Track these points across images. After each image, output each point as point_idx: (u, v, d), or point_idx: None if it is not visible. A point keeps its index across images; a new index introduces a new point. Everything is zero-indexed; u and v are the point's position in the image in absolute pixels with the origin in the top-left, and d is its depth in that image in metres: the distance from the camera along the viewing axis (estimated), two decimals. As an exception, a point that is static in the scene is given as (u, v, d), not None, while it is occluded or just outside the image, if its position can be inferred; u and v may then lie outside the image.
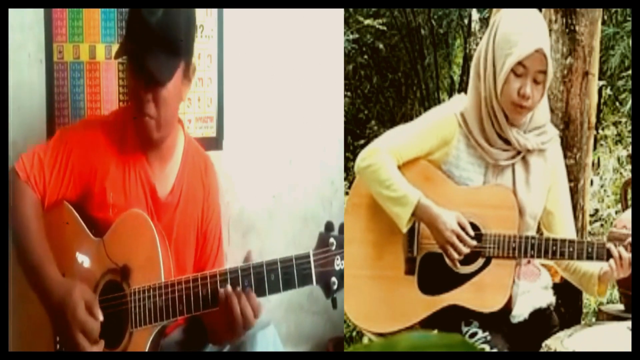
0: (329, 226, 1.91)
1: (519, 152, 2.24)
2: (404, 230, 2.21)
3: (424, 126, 2.29)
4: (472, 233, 2.19)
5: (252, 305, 1.93)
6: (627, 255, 2.15)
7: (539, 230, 2.35)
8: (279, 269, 1.91)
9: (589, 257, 2.18)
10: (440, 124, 2.26)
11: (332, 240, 1.88)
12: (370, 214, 2.30)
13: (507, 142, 2.22)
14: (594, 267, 2.24)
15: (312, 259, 1.88)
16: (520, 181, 2.24)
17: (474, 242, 2.19)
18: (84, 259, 2.16)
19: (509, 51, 2.14)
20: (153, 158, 2.24)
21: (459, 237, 2.17)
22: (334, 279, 1.87)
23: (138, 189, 2.21)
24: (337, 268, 1.87)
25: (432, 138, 2.25)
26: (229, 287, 1.93)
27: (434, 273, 2.25)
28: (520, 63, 2.13)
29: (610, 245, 2.17)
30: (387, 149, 2.23)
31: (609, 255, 2.16)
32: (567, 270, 2.33)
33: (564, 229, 2.32)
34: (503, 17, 2.20)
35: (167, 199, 2.24)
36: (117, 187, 2.19)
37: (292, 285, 1.92)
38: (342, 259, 1.88)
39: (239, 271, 1.94)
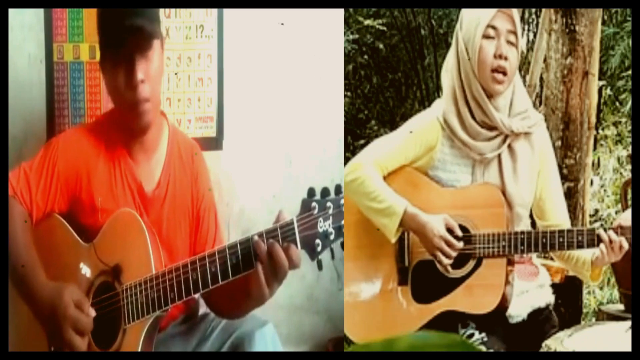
0: (310, 192, 1.90)
1: (504, 140, 2.23)
2: (393, 240, 2.21)
3: (407, 134, 2.28)
4: (459, 233, 2.19)
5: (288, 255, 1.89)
6: (617, 238, 2.14)
7: (532, 221, 2.34)
8: (265, 240, 1.90)
9: (580, 246, 2.17)
10: (422, 131, 2.26)
11: (314, 204, 1.87)
12: (360, 230, 2.29)
13: (490, 128, 2.21)
14: (587, 253, 2.25)
15: (295, 224, 1.87)
16: (508, 171, 2.23)
17: (461, 244, 2.18)
18: (76, 268, 2.15)
19: (476, 23, 2.16)
20: (136, 153, 2.22)
21: (446, 242, 2.17)
22: (317, 240, 1.87)
23: (125, 188, 2.20)
24: (320, 230, 1.86)
25: (416, 145, 2.25)
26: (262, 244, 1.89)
27: (427, 281, 2.25)
28: (489, 25, 2.15)
29: (599, 231, 2.16)
30: (371, 162, 2.23)
31: (600, 241, 2.16)
32: (562, 258, 2.33)
33: (556, 214, 2.31)
34: (463, 15, 2.23)
35: (154, 194, 2.23)
36: (104, 190, 2.18)
37: None
38: (325, 220, 1.86)
39: (227, 249, 1.93)
